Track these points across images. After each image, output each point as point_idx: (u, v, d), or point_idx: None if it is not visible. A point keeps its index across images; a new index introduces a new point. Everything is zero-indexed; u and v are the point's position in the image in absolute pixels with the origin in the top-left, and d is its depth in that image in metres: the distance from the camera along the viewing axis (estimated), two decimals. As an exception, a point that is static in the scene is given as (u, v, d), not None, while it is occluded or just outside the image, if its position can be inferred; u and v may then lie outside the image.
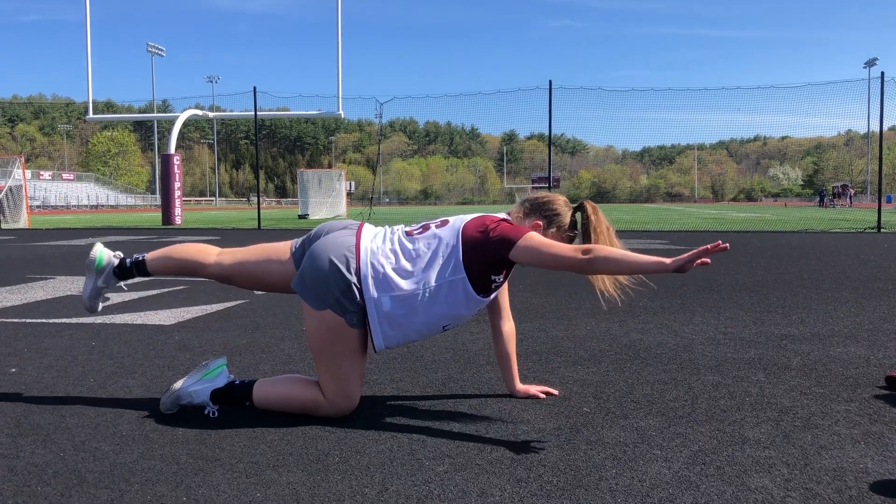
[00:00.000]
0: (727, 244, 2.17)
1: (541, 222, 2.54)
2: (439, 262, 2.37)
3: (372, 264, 2.36)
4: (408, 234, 2.49)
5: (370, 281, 2.33)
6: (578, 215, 2.56)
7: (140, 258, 2.72)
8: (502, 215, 2.55)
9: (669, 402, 2.64)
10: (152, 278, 6.92)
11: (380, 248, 2.41)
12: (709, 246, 2.14)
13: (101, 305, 2.80)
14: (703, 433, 2.27)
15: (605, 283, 2.48)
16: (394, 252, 2.41)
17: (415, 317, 2.37)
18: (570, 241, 2.58)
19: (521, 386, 2.71)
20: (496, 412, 2.51)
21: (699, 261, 2.15)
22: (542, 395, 2.70)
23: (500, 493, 1.81)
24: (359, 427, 2.35)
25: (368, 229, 2.51)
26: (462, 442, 2.20)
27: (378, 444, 2.18)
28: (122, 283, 2.77)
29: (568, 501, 1.76)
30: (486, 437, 2.24)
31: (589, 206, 2.54)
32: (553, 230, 2.56)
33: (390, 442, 2.20)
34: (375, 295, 2.33)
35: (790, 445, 2.16)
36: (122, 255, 2.77)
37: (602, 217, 2.52)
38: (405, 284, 2.34)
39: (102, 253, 2.74)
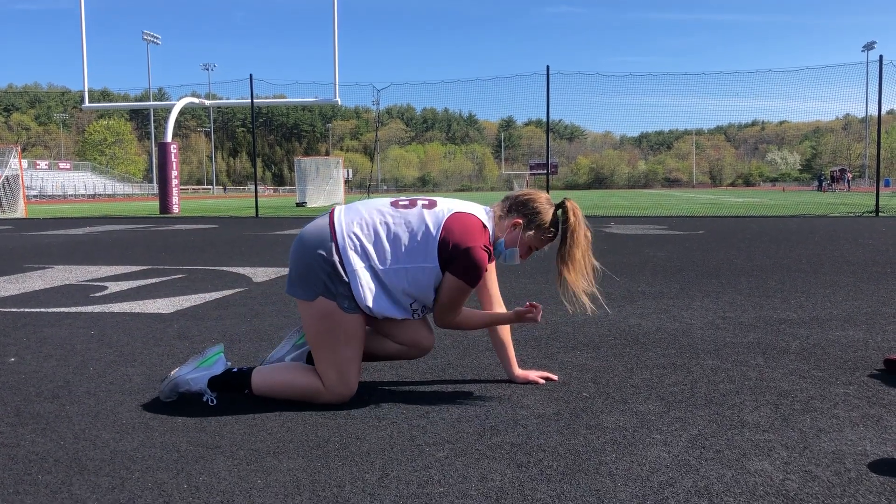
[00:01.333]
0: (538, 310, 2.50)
1: (521, 220, 2.53)
2: (415, 244, 2.38)
3: (348, 236, 2.37)
4: (393, 203, 2.49)
5: (350, 252, 2.35)
6: (559, 213, 2.55)
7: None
8: (487, 210, 2.55)
9: (669, 386, 2.64)
10: (151, 266, 6.90)
11: (355, 220, 2.41)
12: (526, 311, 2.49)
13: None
14: (703, 417, 2.28)
15: (575, 288, 2.47)
16: (371, 224, 2.40)
17: (389, 292, 2.40)
18: (550, 240, 2.58)
19: (520, 371, 2.72)
20: (496, 398, 2.51)
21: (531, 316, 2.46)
22: (542, 381, 2.70)
23: (501, 477, 1.82)
24: (359, 413, 2.35)
25: (340, 207, 2.51)
26: (462, 427, 2.20)
27: (378, 431, 2.19)
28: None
29: (568, 486, 1.76)
30: (485, 423, 2.24)
31: (570, 205, 2.51)
32: (532, 230, 2.55)
33: (390, 428, 2.21)
34: (357, 264, 2.35)
35: (789, 428, 2.16)
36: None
37: (582, 220, 2.50)
38: (383, 259, 2.37)
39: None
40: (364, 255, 2.36)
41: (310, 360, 2.64)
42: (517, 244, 2.54)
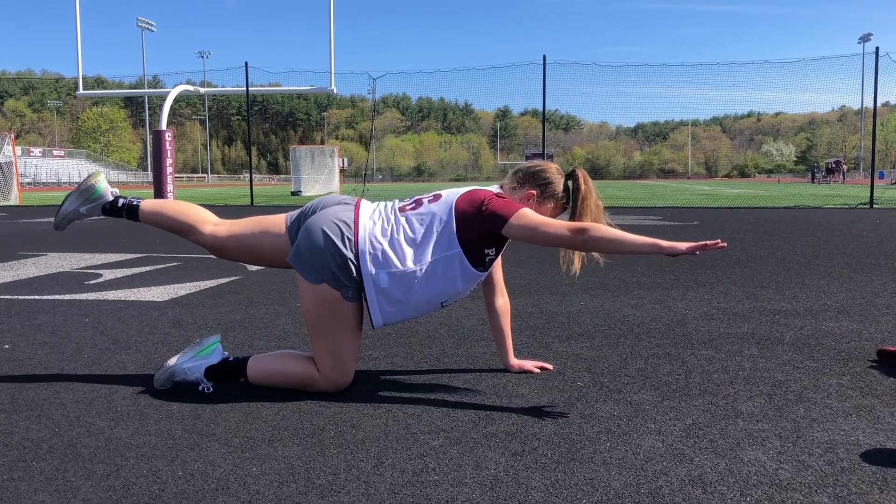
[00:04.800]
0: (725, 244, 2.16)
1: (534, 191, 2.53)
2: (433, 237, 2.35)
3: (370, 241, 2.34)
4: (401, 209, 2.47)
5: (367, 257, 2.32)
6: (570, 183, 2.55)
7: (135, 203, 2.68)
8: (495, 188, 2.54)
9: (663, 376, 2.65)
10: (145, 254, 6.89)
11: (376, 225, 2.39)
12: (708, 242, 2.14)
13: (67, 228, 2.79)
14: (697, 407, 2.29)
15: (573, 255, 2.49)
16: (389, 229, 2.39)
17: (413, 294, 2.35)
18: (564, 208, 2.57)
19: (515, 361, 2.72)
20: (491, 387, 2.52)
21: (691, 251, 2.16)
22: (537, 370, 2.71)
23: (496, 466, 1.82)
24: (354, 402, 2.35)
25: (366, 206, 2.49)
26: (457, 416, 2.21)
27: (373, 419, 2.19)
28: (102, 216, 2.75)
29: (562, 474, 1.77)
30: (480, 412, 2.25)
31: (580, 174, 2.52)
32: (546, 199, 2.55)
33: (385, 416, 2.21)
34: (373, 271, 2.32)
35: (783, 419, 2.17)
36: (118, 193, 2.73)
37: (592, 188, 2.50)
38: (402, 261, 2.33)
39: (102, 185, 2.70)
40: (384, 261, 2.32)
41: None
42: None
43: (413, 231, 2.38)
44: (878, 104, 17.07)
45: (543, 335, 3.34)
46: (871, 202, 16.35)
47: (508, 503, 1.62)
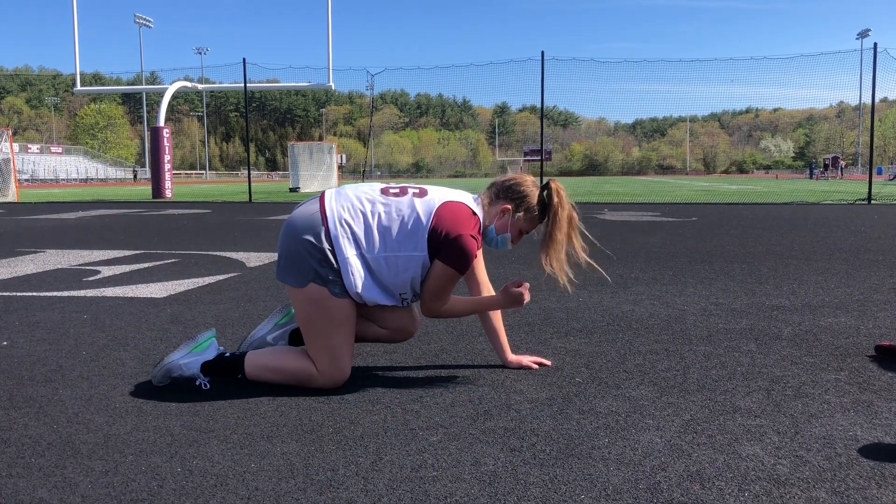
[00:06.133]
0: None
1: (509, 205, 2.53)
2: (406, 234, 2.37)
3: (340, 224, 2.36)
4: (383, 191, 2.48)
5: (342, 241, 2.34)
6: (545, 195, 2.55)
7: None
8: (475, 198, 2.54)
9: (661, 372, 2.65)
10: (143, 251, 6.88)
11: (346, 207, 2.40)
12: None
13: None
14: (695, 402, 2.29)
15: (554, 267, 2.48)
16: (366, 210, 2.40)
17: (375, 276, 2.40)
18: (539, 222, 2.57)
19: (513, 357, 2.72)
20: (489, 383, 2.52)
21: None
22: (535, 366, 2.71)
23: (494, 462, 1.83)
24: (352, 398, 2.35)
25: (330, 192, 2.50)
26: (455, 412, 2.21)
27: (372, 415, 2.19)
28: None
29: (561, 470, 1.77)
30: (479, 407, 2.25)
31: (554, 185, 2.52)
32: (521, 213, 2.54)
33: (384, 412, 2.21)
34: (348, 252, 2.34)
35: (781, 414, 2.17)
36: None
37: (566, 202, 2.49)
38: (371, 247, 2.36)
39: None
40: (355, 243, 2.36)
41: (293, 339, 2.70)
42: (508, 230, 2.55)
43: (389, 221, 2.39)
44: (876, 100, 17.06)
45: (542, 331, 3.34)
46: (869, 198, 16.35)
47: (507, 499, 1.62)
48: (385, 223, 2.38)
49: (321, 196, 2.47)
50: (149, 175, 30.24)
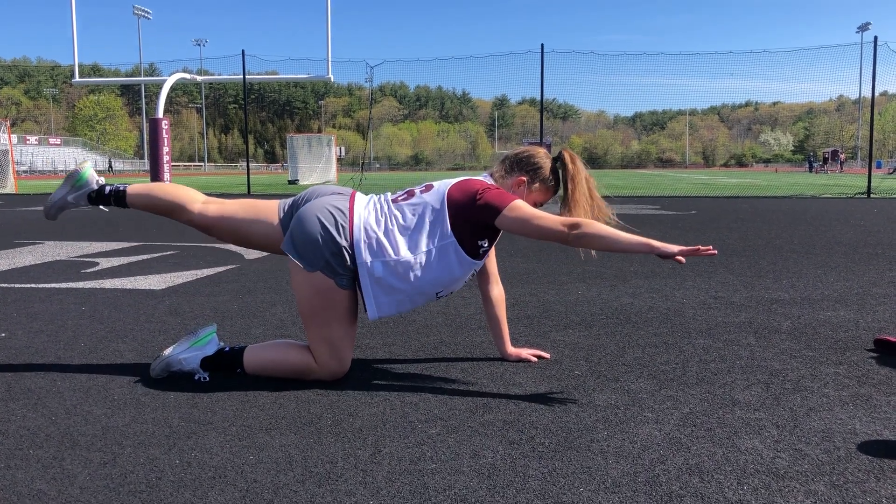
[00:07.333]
0: (716, 251, 2.18)
1: (524, 178, 2.53)
2: (427, 227, 2.35)
3: (365, 229, 2.34)
4: (393, 201, 2.47)
5: (363, 246, 2.32)
6: (558, 164, 2.55)
7: (121, 189, 2.68)
8: (484, 176, 2.53)
9: (660, 365, 2.65)
10: (142, 242, 6.87)
11: (371, 215, 2.39)
12: (700, 247, 2.16)
13: (58, 217, 2.79)
14: (694, 396, 2.29)
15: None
16: (384, 220, 2.39)
17: (408, 283, 2.35)
18: (554, 192, 2.57)
19: (512, 349, 2.72)
20: (488, 375, 2.52)
21: (682, 255, 2.18)
22: (534, 359, 2.71)
23: (493, 454, 1.83)
24: (351, 390, 2.35)
25: (360, 196, 2.49)
26: (454, 405, 2.21)
27: (370, 408, 2.19)
28: (89, 206, 2.76)
29: (559, 462, 1.77)
30: (478, 400, 2.25)
31: (566, 154, 2.51)
32: (537, 184, 2.54)
33: (383, 405, 2.21)
34: (369, 260, 2.32)
35: (780, 407, 2.17)
36: (103, 182, 2.74)
37: (581, 167, 2.48)
38: (396, 251, 2.33)
39: (88, 171, 2.72)
40: (379, 250, 2.32)
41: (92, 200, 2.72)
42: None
43: (405, 220, 2.38)
44: (876, 94, 17.04)
45: (541, 324, 3.34)
46: (869, 191, 16.35)
47: (506, 491, 1.62)
48: (404, 225, 2.37)
49: (352, 196, 2.46)
50: (147, 167, 30.14)
